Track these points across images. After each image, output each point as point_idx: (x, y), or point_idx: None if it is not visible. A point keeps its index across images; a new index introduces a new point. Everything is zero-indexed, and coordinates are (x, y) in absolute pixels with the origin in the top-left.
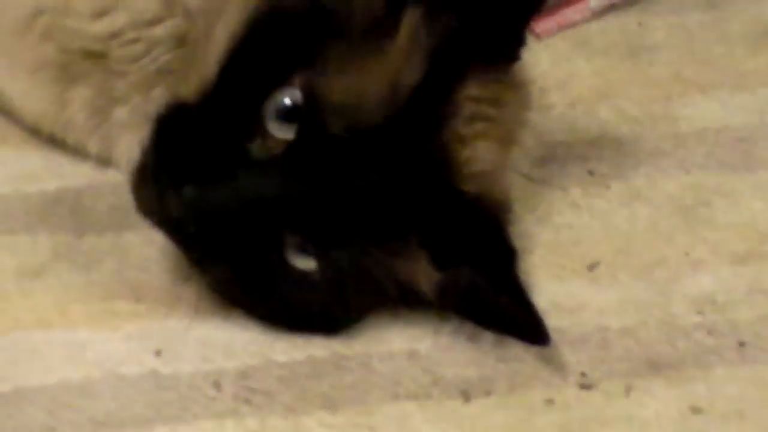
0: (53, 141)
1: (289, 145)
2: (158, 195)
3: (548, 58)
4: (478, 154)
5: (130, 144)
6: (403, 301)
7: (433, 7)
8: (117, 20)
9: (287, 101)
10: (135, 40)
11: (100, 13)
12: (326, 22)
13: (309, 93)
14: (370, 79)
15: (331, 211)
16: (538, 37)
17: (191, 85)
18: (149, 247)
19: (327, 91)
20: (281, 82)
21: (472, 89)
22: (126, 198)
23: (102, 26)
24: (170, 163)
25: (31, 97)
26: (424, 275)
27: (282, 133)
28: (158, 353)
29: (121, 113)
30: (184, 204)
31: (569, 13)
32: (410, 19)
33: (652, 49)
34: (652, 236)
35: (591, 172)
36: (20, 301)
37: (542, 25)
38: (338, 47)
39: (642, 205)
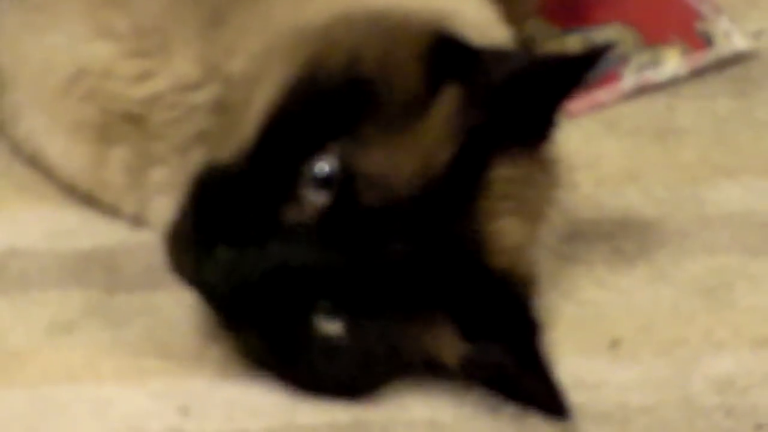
0: (89, 200)
1: (323, 212)
2: (192, 256)
3: (578, 137)
4: (506, 230)
5: (165, 206)
6: (427, 371)
7: (470, 89)
8: (158, 85)
9: (323, 169)
10: (175, 105)
11: (142, 77)
12: (364, 93)
13: (345, 163)
14: (405, 153)
15: (362, 280)
16: (569, 115)
17: (228, 149)
18: (179, 307)
19: (362, 162)
20: (318, 149)
21: (503, 167)
22: (158, 258)
23: (143, 90)
24: (205, 225)
25: (69, 156)
26: (450, 347)
27: (316, 199)
28: (183, 411)
29: (157, 175)
30: (217, 266)
31: (600, 94)
32: (447, 98)
33: (680, 133)
34: (674, 316)
35: (616, 251)
36: (50, 356)
37: (573, 104)
38: (375, 119)
39: (665, 285)
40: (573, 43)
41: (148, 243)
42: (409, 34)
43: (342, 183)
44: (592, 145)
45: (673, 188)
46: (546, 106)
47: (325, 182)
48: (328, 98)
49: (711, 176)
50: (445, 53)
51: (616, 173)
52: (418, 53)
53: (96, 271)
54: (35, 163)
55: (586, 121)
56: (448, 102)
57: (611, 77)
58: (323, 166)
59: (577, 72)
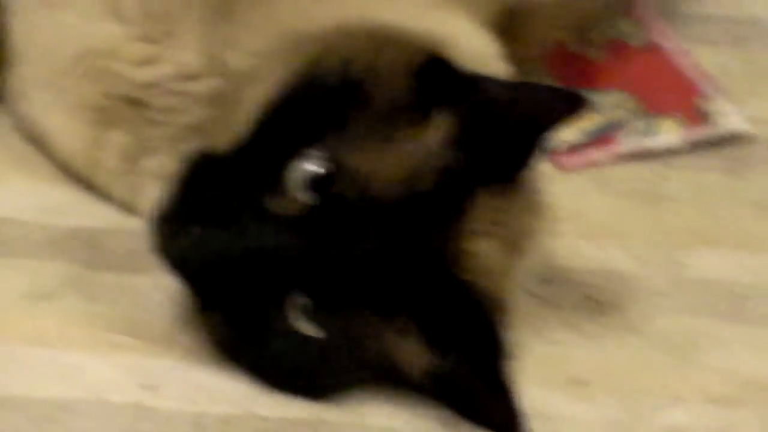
0: (82, 181)
1: (305, 206)
2: (172, 233)
3: (568, 191)
4: (481, 250)
5: (154, 193)
6: (387, 377)
7: (463, 117)
8: (160, 70)
9: (311, 167)
10: (174, 92)
11: (146, 62)
12: (356, 96)
13: (332, 161)
14: (391, 161)
15: (337, 276)
16: (562, 169)
17: (222, 141)
18: (157, 290)
19: (349, 161)
20: (307, 145)
21: (487, 192)
22: (143, 244)
23: (145, 74)
24: (189, 206)
25: (68, 135)
26: (414, 355)
27: (301, 195)
28: (146, 387)
29: (150, 163)
30: (192, 240)
31: (596, 154)
32: (441, 123)
33: (667, 200)
34: (638, 365)
35: (590, 299)
36: (23, 319)
37: (569, 160)
38: (364, 122)
39: (633, 337)
40: None
41: (134, 228)
42: (403, 48)
43: (327, 180)
44: (581, 200)
45: (654, 249)
46: (534, 135)
47: (310, 178)
48: (320, 98)
49: (691, 243)
50: (437, 74)
51: (600, 229)
52: (409, 67)
53: (80, 248)
54: (34, 140)
55: (577, 176)
56: (440, 127)
57: (608, 139)
58: (311, 165)
59: (570, 106)
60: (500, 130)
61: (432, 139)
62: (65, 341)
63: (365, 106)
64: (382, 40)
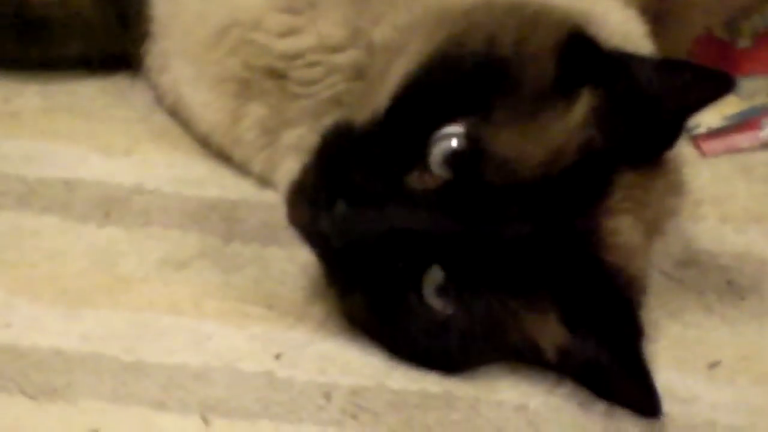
0: (221, 154)
1: (447, 183)
2: (311, 207)
3: (709, 175)
4: (622, 228)
5: (291, 168)
6: (523, 357)
7: (608, 96)
8: (303, 41)
9: (453, 144)
10: (316, 64)
11: (289, 33)
12: (497, 75)
13: (473, 139)
14: (533, 141)
15: (475, 254)
16: (703, 154)
17: (361, 115)
18: (290, 263)
19: (490, 141)
20: (448, 122)
21: (629, 171)
22: (277, 217)
23: (287, 45)
24: (328, 180)
25: (209, 108)
26: (550, 334)
27: (442, 171)
28: (278, 357)
29: (289, 137)
30: (335, 219)
31: (738, 139)
32: (585, 101)
33: None
34: None
35: (729, 283)
36: (158, 287)
37: (710, 145)
38: (505, 101)
39: None
40: None
41: (270, 201)
42: (547, 25)
43: (468, 158)
44: (722, 185)
45: None
46: (680, 115)
47: (452, 155)
48: (463, 75)
49: None
50: (581, 51)
51: (742, 213)
52: (552, 44)
53: (216, 219)
54: (174, 114)
55: (719, 162)
56: (584, 106)
57: (752, 125)
58: (452, 139)
59: (717, 87)
60: (647, 110)
61: (576, 117)
62: (199, 310)
63: (508, 84)
64: (527, 17)
